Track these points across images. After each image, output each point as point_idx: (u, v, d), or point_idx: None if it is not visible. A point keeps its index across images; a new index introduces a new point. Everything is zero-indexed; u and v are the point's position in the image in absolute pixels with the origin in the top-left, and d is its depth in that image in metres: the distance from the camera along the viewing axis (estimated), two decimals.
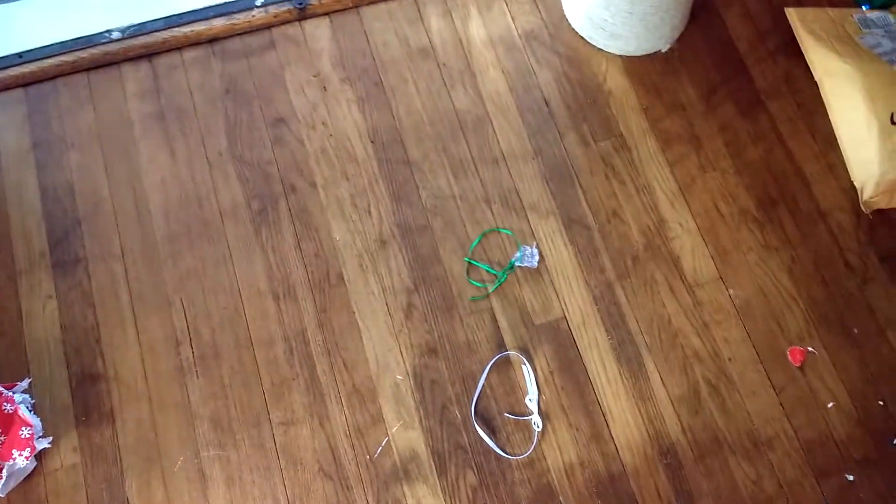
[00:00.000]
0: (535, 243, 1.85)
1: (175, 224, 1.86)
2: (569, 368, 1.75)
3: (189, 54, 2.02)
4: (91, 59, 1.99)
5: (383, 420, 1.71)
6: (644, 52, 2.04)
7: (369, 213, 1.87)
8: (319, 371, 1.74)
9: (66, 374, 1.72)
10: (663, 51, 2.05)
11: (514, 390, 1.74)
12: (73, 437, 1.67)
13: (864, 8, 2.06)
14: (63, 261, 1.81)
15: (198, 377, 1.73)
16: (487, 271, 1.83)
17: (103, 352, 1.74)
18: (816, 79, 1.98)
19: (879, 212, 1.89)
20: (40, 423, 1.65)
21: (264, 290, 1.80)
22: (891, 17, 2.00)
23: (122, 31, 2.01)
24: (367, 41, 2.04)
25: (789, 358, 1.77)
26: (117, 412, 1.69)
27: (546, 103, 1.98)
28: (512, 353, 1.76)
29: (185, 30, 2.03)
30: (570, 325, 1.79)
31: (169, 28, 2.03)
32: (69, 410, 1.69)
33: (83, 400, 1.70)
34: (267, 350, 1.75)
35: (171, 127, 1.95)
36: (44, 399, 1.70)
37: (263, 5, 2.05)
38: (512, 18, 2.07)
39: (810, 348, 1.78)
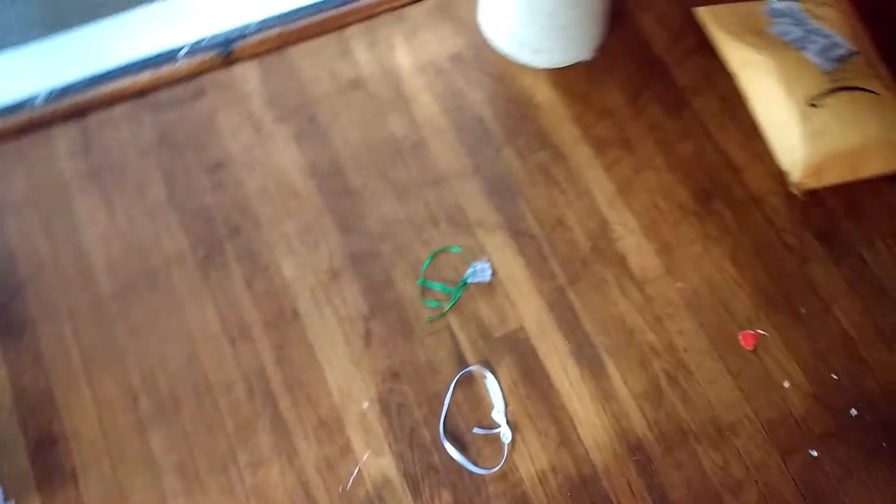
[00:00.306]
0: (485, 258, 1.87)
1: (121, 279, 1.83)
2: (532, 377, 1.76)
3: (118, 110, 2.01)
4: (17, 126, 1.96)
5: (352, 450, 1.69)
6: (568, 64, 2.09)
7: (317, 246, 1.87)
8: (283, 408, 1.72)
9: (22, 439, 1.66)
10: (587, 60, 2.10)
11: (481, 405, 1.74)
12: (36, 501, 1.61)
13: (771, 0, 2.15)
14: (9, 325, 1.76)
15: (158, 429, 1.69)
16: (442, 291, 1.83)
17: (59, 413, 1.69)
18: (732, 72, 2.05)
19: (810, 192, 1.95)
20: (1, 491, 1.60)
21: (218, 333, 1.78)
22: (796, 6, 2.09)
23: (47, 95, 1.99)
24: (298, 79, 2.05)
25: (742, 342, 1.81)
26: (80, 472, 1.64)
27: (480, 122, 2.02)
28: (474, 367, 1.76)
29: (112, 86, 2.01)
30: (529, 335, 1.80)
31: (94, 86, 2.01)
32: (29, 475, 1.63)
33: (43, 464, 1.65)
34: (227, 393, 1.73)
35: (107, 183, 1.92)
36: (2, 466, 1.64)
37: (187, 55, 2.05)
38: (436, 44, 2.11)
39: (761, 331, 1.82)
